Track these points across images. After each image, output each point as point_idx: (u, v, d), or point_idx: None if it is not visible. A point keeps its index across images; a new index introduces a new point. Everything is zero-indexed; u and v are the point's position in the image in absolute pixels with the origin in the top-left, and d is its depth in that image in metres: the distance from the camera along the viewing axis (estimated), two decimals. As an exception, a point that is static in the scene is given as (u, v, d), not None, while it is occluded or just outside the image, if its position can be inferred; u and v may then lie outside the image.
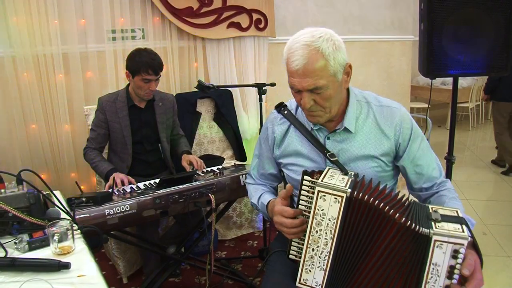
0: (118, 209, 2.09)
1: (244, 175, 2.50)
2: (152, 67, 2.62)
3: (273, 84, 3.06)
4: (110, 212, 2.07)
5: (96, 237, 1.80)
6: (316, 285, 1.47)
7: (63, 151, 3.35)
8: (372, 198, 1.38)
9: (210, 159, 3.51)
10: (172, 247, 2.63)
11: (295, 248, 1.53)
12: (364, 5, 4.84)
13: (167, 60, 3.69)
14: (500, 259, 3.28)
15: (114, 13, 3.39)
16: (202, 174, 2.61)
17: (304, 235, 1.46)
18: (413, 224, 1.32)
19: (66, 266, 1.34)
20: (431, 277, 1.32)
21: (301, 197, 1.47)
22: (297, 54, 1.45)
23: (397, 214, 1.35)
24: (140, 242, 2.68)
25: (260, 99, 2.97)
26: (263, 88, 2.94)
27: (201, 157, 3.52)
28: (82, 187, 3.40)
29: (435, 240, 1.29)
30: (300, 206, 1.48)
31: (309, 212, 1.44)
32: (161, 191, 2.24)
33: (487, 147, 4.72)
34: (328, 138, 1.67)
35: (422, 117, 4.94)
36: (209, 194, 2.29)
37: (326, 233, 1.42)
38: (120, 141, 2.79)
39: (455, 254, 1.29)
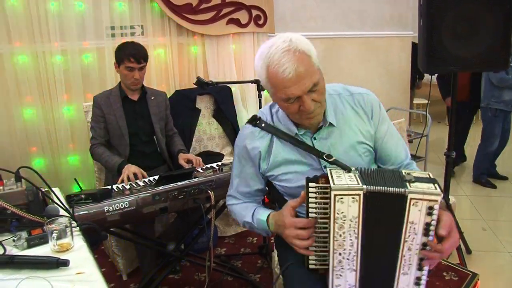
0: (117, 206, 2.09)
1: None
2: (134, 55, 2.75)
3: (272, 80, 3.05)
4: (109, 209, 2.07)
5: (95, 234, 1.80)
6: (350, 287, 1.47)
7: (62, 148, 3.34)
8: (385, 187, 1.38)
9: (210, 156, 3.51)
10: (171, 244, 2.63)
11: (314, 257, 1.51)
12: (363, 0, 4.82)
13: (166, 57, 3.69)
14: (500, 255, 3.28)
15: (113, 9, 3.38)
16: (202, 171, 2.60)
17: (321, 241, 1.46)
18: (389, 188, 1.37)
19: (64, 263, 1.34)
20: (409, 235, 1.38)
21: (310, 205, 1.44)
22: (284, 62, 1.40)
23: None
24: (139, 238, 2.68)
25: (260, 95, 2.96)
26: (262, 84, 2.94)
27: (200, 154, 3.53)
28: (81, 184, 3.40)
29: (411, 199, 1.34)
30: (310, 215, 1.45)
31: (322, 218, 1.43)
32: (160, 187, 2.23)
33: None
34: (315, 139, 1.65)
35: (422, 113, 4.93)
36: (209, 191, 2.28)
37: (350, 234, 1.41)
38: (117, 132, 2.85)
39: (430, 211, 1.35)
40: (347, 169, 1.50)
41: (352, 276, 1.45)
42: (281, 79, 1.43)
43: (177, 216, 2.98)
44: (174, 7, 3.55)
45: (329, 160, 1.56)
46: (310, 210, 1.45)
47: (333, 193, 1.37)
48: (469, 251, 3.27)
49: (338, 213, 1.38)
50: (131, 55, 2.75)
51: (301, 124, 1.62)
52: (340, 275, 1.46)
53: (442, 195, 1.34)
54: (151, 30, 3.58)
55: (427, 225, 1.36)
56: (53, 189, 1.88)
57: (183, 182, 2.29)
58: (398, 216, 1.38)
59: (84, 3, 3.27)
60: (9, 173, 1.63)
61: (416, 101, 7.56)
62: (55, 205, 1.69)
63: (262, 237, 3.27)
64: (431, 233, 1.37)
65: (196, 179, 2.34)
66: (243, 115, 4.05)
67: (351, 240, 1.41)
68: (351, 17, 4.77)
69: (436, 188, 1.35)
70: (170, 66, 3.72)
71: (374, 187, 1.38)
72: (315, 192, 1.43)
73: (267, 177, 1.75)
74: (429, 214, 1.35)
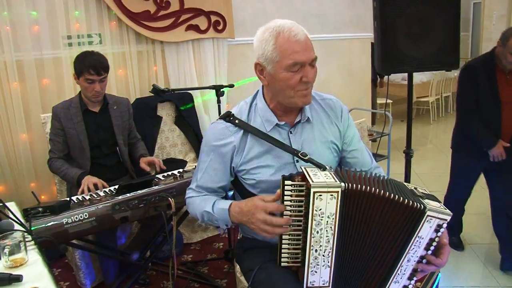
0: (76, 218, 2.06)
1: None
2: (93, 67, 2.63)
3: (231, 86, 3.06)
4: (69, 221, 2.04)
5: (52, 247, 1.77)
6: (324, 284, 1.49)
7: (20, 161, 3.27)
8: (361, 185, 1.42)
9: (173, 163, 3.49)
10: (135, 253, 2.61)
11: (286, 255, 1.52)
12: (322, 3, 4.89)
13: (125, 65, 3.65)
14: (470, 247, 3.35)
15: (69, 18, 3.33)
16: (163, 178, 2.60)
17: (295, 239, 1.49)
18: (409, 201, 1.42)
19: (17, 279, 1.31)
20: (413, 248, 1.45)
21: (285, 202, 1.44)
22: (296, 28, 1.53)
23: (388, 193, 1.43)
24: (101, 249, 2.64)
25: (218, 101, 2.95)
26: (221, 90, 2.94)
27: (163, 161, 3.50)
28: (42, 196, 3.33)
29: (428, 215, 1.41)
30: (285, 213, 1.45)
31: (296, 216, 1.45)
32: (120, 197, 2.22)
33: (448, 140, 4.81)
34: (291, 133, 1.70)
35: (382, 113, 5.02)
36: (169, 198, 2.28)
37: (327, 230, 1.43)
38: (78, 146, 2.77)
39: (438, 229, 1.43)
40: (322, 167, 1.54)
41: (326, 273, 1.48)
42: (293, 42, 1.52)
43: (141, 226, 2.95)
44: (132, 14, 3.52)
45: (304, 158, 1.61)
46: (286, 207, 1.46)
47: (313, 190, 1.38)
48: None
49: (316, 210, 1.40)
50: (90, 66, 2.63)
51: (290, 104, 1.64)
52: (315, 272, 1.48)
53: (451, 216, 1.41)
54: (109, 39, 3.53)
55: (431, 240, 1.44)
56: (8, 203, 1.85)
57: (143, 191, 2.28)
58: (408, 228, 1.44)
59: (39, 12, 3.20)
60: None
61: (379, 100, 7.69)
62: (10, 219, 1.66)
63: (228, 242, 3.27)
64: (432, 248, 1.45)
65: (157, 187, 2.34)
66: (205, 121, 4.04)
67: (327, 236, 1.44)
68: (311, 20, 4.83)
69: (445, 209, 1.42)
70: (130, 74, 3.68)
71: (352, 185, 1.42)
72: (291, 190, 1.44)
73: (238, 171, 1.73)
74: (436, 231, 1.43)
